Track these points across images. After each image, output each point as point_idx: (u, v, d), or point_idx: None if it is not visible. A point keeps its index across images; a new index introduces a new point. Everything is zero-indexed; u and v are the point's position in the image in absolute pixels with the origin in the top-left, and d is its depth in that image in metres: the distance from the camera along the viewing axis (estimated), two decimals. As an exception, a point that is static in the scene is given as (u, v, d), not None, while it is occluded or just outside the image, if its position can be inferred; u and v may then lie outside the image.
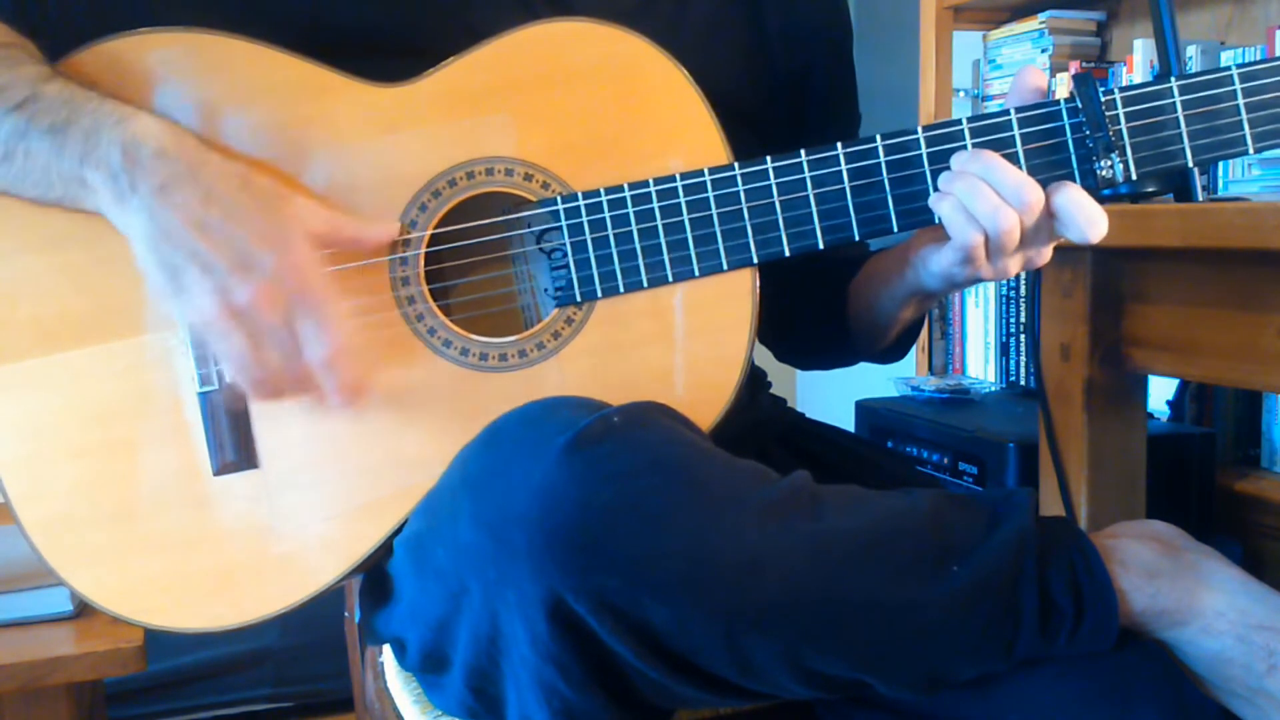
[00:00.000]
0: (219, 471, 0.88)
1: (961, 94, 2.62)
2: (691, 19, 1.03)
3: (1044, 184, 0.85)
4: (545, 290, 0.95)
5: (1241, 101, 0.86)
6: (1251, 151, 0.86)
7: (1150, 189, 1.17)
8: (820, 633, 0.76)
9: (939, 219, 0.86)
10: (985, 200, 0.83)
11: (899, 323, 1.05)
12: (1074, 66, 2.37)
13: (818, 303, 1.11)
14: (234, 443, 0.88)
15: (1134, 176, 0.86)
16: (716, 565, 0.73)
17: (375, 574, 0.93)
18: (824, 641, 0.76)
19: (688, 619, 0.73)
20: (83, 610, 1.20)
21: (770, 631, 0.75)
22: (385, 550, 0.89)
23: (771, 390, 1.17)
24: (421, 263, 0.89)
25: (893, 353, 1.13)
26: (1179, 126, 0.86)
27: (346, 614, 1.26)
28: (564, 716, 0.77)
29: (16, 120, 0.82)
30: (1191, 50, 2.09)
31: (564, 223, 0.89)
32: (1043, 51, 2.44)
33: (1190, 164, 0.86)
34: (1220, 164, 2.01)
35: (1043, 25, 2.44)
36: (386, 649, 1.08)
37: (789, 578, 0.75)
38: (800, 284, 1.11)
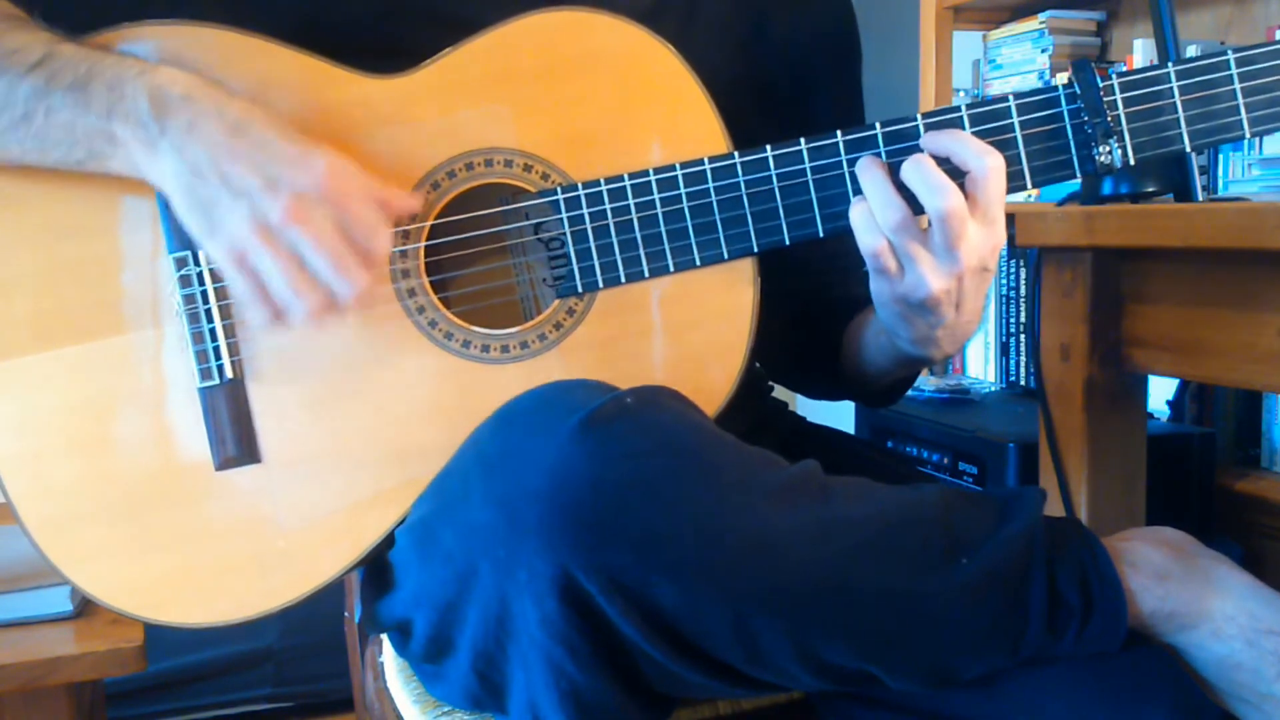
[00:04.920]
0: (220, 466, 0.88)
1: (961, 94, 2.63)
2: (697, 26, 1.02)
3: (1044, 169, 0.86)
4: (544, 281, 0.95)
5: (1238, 86, 0.86)
6: (1248, 136, 0.87)
7: (1150, 189, 1.17)
8: (827, 618, 0.76)
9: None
10: (889, 206, 0.84)
11: (888, 376, 1.06)
12: (1074, 67, 2.37)
13: (816, 341, 1.11)
14: (235, 437, 0.88)
15: (1132, 162, 0.87)
16: (725, 545, 0.74)
17: (376, 564, 0.93)
18: (831, 627, 0.76)
19: (696, 599, 0.74)
20: (83, 610, 1.19)
21: (777, 614, 0.75)
22: (388, 542, 0.89)
23: (773, 394, 1.17)
24: (422, 255, 0.89)
25: (879, 401, 1.13)
26: (1176, 111, 0.87)
27: (346, 614, 1.26)
28: (571, 698, 0.77)
29: (34, 80, 0.82)
30: (1191, 50, 2.08)
31: (564, 214, 0.88)
32: (1043, 51, 2.44)
33: (1188, 149, 0.86)
34: (1220, 164, 2.01)
35: (1043, 25, 2.44)
36: (386, 645, 1.07)
37: (797, 560, 0.75)
38: (803, 320, 1.11)
